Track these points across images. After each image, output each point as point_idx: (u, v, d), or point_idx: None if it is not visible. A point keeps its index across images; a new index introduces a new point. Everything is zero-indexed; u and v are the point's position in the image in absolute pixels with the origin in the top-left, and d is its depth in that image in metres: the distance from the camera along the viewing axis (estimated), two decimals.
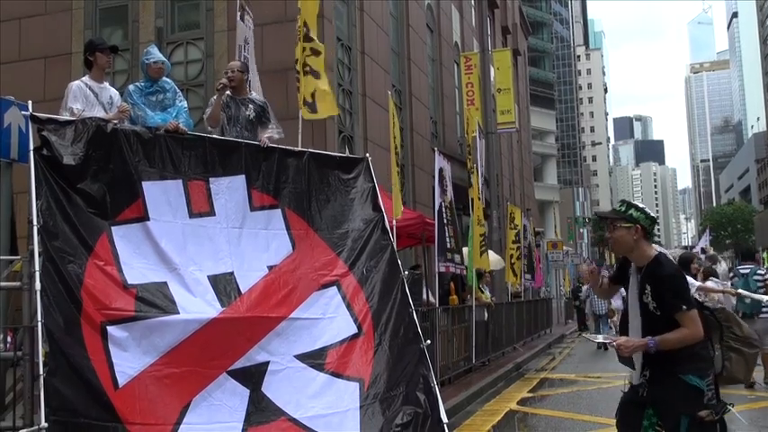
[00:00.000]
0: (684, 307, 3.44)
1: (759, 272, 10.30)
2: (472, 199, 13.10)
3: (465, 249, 13.21)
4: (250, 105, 6.21)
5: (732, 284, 10.48)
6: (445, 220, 10.90)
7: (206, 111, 6.27)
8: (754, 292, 9.93)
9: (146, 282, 4.90)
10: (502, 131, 27.57)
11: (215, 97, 6.27)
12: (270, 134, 6.12)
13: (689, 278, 8.96)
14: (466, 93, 22.15)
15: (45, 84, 13.63)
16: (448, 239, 11.05)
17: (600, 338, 3.69)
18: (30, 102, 5.12)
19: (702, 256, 13.03)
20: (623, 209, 3.76)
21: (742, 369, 3.73)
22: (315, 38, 7.64)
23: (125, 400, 4.49)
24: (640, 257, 3.66)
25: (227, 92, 6.13)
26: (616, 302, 23.03)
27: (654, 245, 3.75)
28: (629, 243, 3.67)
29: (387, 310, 5.84)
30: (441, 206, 10.76)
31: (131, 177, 5.14)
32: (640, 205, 3.79)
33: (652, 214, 3.77)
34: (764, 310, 9.79)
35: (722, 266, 12.87)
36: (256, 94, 6.66)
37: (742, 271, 10.48)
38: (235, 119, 6.14)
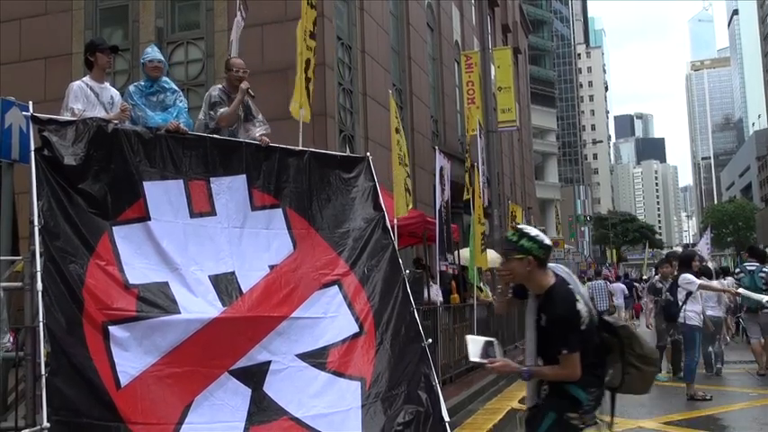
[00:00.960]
0: (565, 351, 3.38)
1: (765, 270, 10.68)
2: (472, 198, 13.08)
3: (464, 249, 13.22)
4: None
5: (739, 280, 10.93)
6: (443, 219, 10.90)
7: (220, 110, 6.00)
8: (759, 288, 10.27)
9: (147, 282, 4.91)
10: (503, 130, 27.54)
11: (215, 92, 6.15)
12: (261, 132, 6.12)
13: (690, 276, 9.00)
14: (466, 91, 22.11)
15: (46, 84, 13.63)
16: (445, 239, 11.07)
17: (477, 359, 3.51)
18: (30, 102, 5.13)
19: None
20: (515, 239, 3.55)
21: (639, 384, 3.70)
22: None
23: (127, 399, 4.49)
24: (536, 287, 3.54)
25: (223, 89, 6.13)
26: (618, 300, 23.15)
27: (551, 266, 3.57)
28: (523, 274, 3.52)
29: (388, 310, 5.85)
30: (441, 205, 10.76)
31: (132, 177, 5.15)
32: (533, 233, 3.54)
33: (547, 242, 3.53)
34: None
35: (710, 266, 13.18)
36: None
37: (749, 267, 10.91)
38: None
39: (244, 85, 6.04)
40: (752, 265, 11.00)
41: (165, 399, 4.65)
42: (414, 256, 15.60)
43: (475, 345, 3.56)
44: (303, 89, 6.97)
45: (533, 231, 3.57)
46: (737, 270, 11.71)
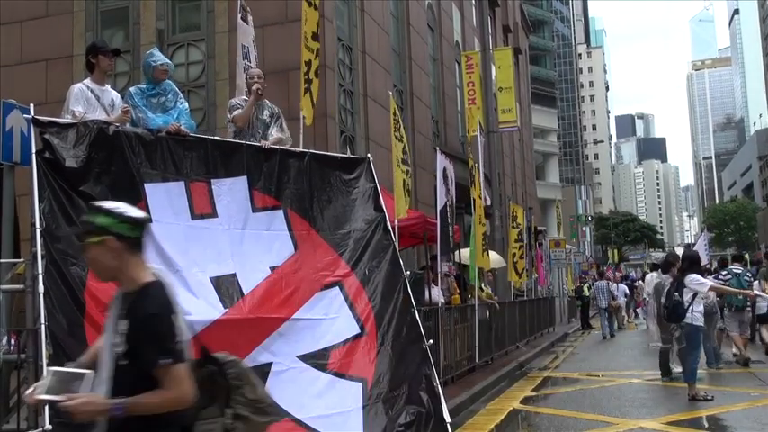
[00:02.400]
0: (163, 361, 2.43)
1: (748, 273, 12.96)
2: (474, 198, 13.09)
3: (465, 250, 13.22)
4: (266, 110, 6.37)
5: (726, 281, 12.10)
6: (448, 220, 10.90)
7: (235, 112, 6.33)
8: (745, 288, 11.78)
9: None
10: (503, 130, 27.51)
11: (236, 101, 6.35)
12: (276, 135, 6.20)
13: (699, 277, 8.90)
14: (467, 92, 22.08)
15: (47, 87, 13.64)
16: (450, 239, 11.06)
17: (48, 396, 2.55)
18: (32, 105, 5.14)
19: None
20: (90, 218, 2.59)
21: None
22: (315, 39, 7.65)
23: None
24: (128, 282, 2.59)
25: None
26: (621, 299, 23.18)
27: (156, 269, 2.70)
28: (110, 264, 2.56)
29: (389, 310, 5.85)
30: (445, 205, 10.74)
31: (133, 179, 5.16)
32: (110, 206, 2.61)
33: (133, 214, 2.60)
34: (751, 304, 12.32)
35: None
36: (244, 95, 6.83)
37: (735, 271, 12.57)
38: (253, 122, 6.29)
39: (254, 87, 6.31)
40: (737, 269, 12.70)
41: None
42: (416, 257, 15.60)
43: (53, 378, 2.57)
44: (303, 90, 7.01)
45: (113, 204, 2.64)
46: (725, 272, 12.74)
